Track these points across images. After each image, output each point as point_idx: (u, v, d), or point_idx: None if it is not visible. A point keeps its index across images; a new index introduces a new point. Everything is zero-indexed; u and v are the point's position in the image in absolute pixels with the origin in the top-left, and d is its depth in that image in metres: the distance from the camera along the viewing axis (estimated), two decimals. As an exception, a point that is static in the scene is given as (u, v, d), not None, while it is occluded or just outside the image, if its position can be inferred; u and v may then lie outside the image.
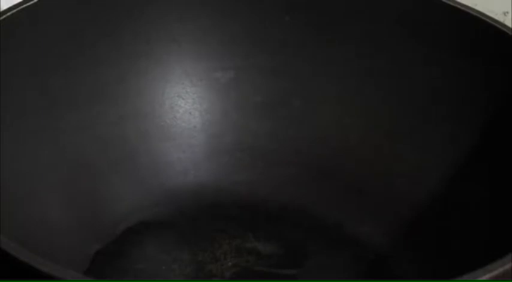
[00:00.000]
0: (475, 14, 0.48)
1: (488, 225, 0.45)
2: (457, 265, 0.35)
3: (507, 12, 0.62)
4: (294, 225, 0.50)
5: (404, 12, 0.50)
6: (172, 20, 0.52)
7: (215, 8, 0.52)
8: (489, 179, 0.46)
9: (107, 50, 0.50)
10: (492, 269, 0.33)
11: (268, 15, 0.52)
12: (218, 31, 0.52)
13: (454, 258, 0.44)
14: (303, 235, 0.49)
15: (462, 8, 0.49)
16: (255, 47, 0.53)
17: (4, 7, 0.46)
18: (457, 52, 0.49)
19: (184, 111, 0.53)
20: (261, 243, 0.48)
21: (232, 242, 0.48)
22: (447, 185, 0.48)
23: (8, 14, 0.45)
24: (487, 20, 0.48)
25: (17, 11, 0.46)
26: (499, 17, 0.59)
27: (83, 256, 0.46)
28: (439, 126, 0.49)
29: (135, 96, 0.51)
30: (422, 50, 0.50)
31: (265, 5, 0.52)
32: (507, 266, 0.34)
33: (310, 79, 0.53)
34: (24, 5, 0.46)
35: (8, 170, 0.42)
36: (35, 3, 0.46)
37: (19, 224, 0.40)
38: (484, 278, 0.33)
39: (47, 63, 0.47)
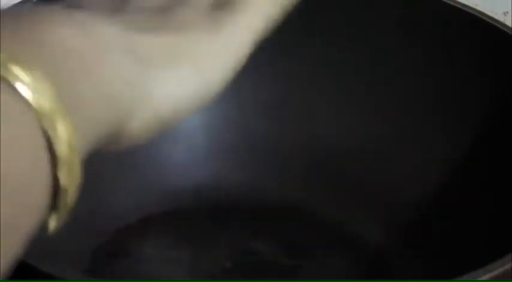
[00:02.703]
0: (475, 14, 0.48)
1: (488, 225, 0.45)
2: (457, 265, 0.35)
3: (507, 12, 0.62)
4: (294, 225, 0.50)
5: (404, 12, 0.50)
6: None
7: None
8: (489, 179, 0.46)
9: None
10: (492, 269, 0.33)
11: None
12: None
13: (454, 258, 0.44)
14: (303, 235, 0.49)
15: (462, 8, 0.49)
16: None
17: (4, 7, 0.46)
18: (457, 52, 0.49)
19: (184, 111, 0.53)
20: (261, 243, 0.48)
21: (232, 242, 0.48)
22: (447, 185, 0.48)
23: (8, 14, 0.45)
24: (487, 20, 0.48)
25: (17, 11, 0.46)
26: (499, 17, 0.59)
27: (83, 256, 0.46)
28: (439, 127, 0.49)
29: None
30: (423, 50, 0.50)
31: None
32: (507, 266, 0.34)
33: (310, 79, 0.53)
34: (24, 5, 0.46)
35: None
36: (35, 3, 0.46)
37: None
38: (484, 278, 0.33)
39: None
